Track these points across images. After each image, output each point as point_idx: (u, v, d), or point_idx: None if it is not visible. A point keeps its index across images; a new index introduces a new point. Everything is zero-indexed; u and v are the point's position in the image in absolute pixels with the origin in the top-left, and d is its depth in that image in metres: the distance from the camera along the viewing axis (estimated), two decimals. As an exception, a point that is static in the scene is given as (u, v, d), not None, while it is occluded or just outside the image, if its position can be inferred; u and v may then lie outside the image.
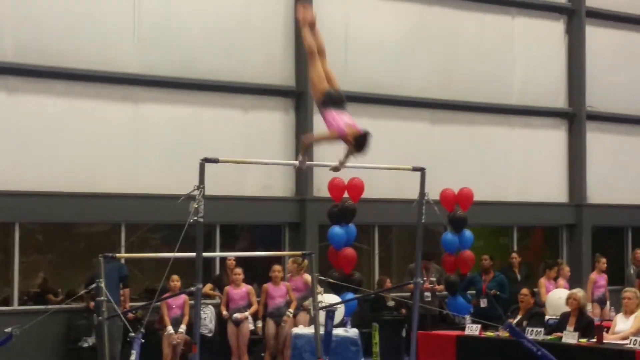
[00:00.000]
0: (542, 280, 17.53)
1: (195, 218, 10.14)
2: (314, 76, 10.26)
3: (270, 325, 15.09)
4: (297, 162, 10.80)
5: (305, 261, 15.57)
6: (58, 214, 16.61)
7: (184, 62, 17.70)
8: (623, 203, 22.65)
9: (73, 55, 16.70)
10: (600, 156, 22.48)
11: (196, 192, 10.15)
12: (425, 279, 16.64)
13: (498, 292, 16.36)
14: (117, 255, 13.63)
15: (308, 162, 11.44)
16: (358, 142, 10.11)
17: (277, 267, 15.26)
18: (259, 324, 15.29)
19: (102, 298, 11.43)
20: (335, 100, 10.09)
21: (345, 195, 16.78)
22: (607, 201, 22.44)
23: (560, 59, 22.28)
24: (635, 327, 12.26)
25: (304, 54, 18.58)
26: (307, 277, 15.76)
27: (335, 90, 10.15)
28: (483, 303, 16.20)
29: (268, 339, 15.17)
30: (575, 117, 22.24)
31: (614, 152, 22.82)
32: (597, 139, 22.50)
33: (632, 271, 19.40)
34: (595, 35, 22.57)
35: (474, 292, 16.96)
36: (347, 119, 10.08)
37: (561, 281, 17.47)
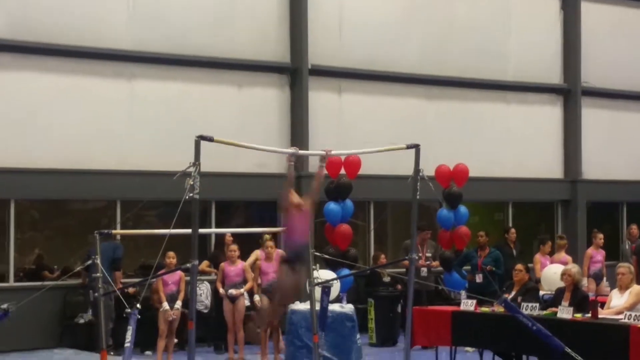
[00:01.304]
0: (537, 257, 17.55)
1: (191, 195, 10.12)
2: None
3: (265, 301, 15.11)
4: (291, 151, 10.84)
5: (266, 235, 15.52)
6: (53, 191, 16.61)
7: (177, 38, 17.64)
8: (618, 178, 22.70)
9: (65, 31, 16.65)
10: (595, 132, 22.51)
11: (192, 169, 10.13)
12: (420, 254, 16.66)
13: (493, 268, 16.40)
14: (113, 231, 13.62)
15: (302, 152, 11.55)
16: None
17: (269, 244, 15.26)
18: (257, 297, 15.29)
19: (98, 274, 11.42)
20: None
21: (342, 171, 16.76)
22: (602, 177, 22.49)
23: (556, 35, 22.25)
24: (629, 302, 12.28)
25: (299, 29, 18.70)
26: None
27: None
28: (478, 279, 16.23)
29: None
30: (570, 93, 22.24)
31: (609, 127, 22.84)
32: (592, 115, 22.52)
33: (627, 246, 19.44)
34: (591, 11, 22.54)
35: (469, 267, 16.99)
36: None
37: (563, 255, 17.48)
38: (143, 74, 17.47)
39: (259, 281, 15.29)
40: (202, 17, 17.92)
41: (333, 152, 11.51)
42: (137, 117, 17.30)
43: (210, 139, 10.37)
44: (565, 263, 16.29)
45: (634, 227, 19.58)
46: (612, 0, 23.08)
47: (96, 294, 11.64)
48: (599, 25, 22.72)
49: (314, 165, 18.31)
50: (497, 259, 16.58)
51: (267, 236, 15.34)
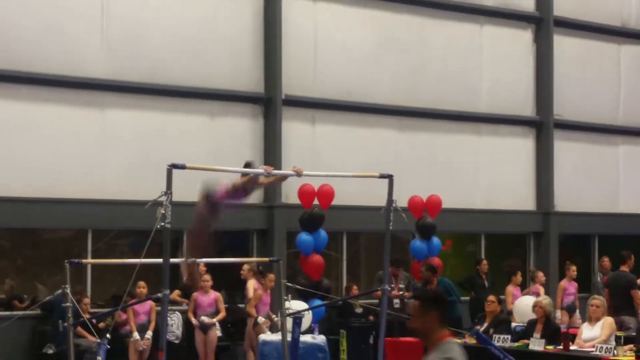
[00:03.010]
0: (509, 288, 17.56)
1: (163, 224, 10.08)
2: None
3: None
4: (264, 170, 10.76)
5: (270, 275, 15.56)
6: (24, 220, 16.48)
7: (151, 68, 17.61)
8: (590, 211, 22.78)
9: (39, 60, 16.59)
10: (568, 164, 22.61)
11: (163, 198, 10.09)
12: (393, 285, 16.63)
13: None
14: (84, 261, 13.54)
15: (275, 171, 11.39)
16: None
17: (271, 276, 15.32)
18: (261, 319, 15.21)
19: (68, 304, 11.33)
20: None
21: (315, 202, 16.76)
22: (574, 209, 22.56)
23: (528, 68, 22.39)
24: (605, 334, 12.28)
25: (273, 60, 18.73)
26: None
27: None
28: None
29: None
30: (542, 125, 22.35)
31: (581, 160, 22.96)
32: (564, 147, 22.62)
33: (598, 279, 19.50)
34: (563, 44, 22.72)
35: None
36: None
37: (535, 287, 17.54)
38: (116, 103, 17.41)
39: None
40: (176, 47, 17.90)
41: (304, 173, 11.43)
42: (109, 146, 17.22)
43: (183, 167, 10.36)
44: (537, 295, 16.34)
45: (606, 259, 19.63)
46: (584, 34, 23.25)
47: (65, 324, 11.52)
48: (572, 58, 22.88)
49: (286, 196, 18.32)
50: (447, 286, 16.45)
51: (271, 276, 15.42)
